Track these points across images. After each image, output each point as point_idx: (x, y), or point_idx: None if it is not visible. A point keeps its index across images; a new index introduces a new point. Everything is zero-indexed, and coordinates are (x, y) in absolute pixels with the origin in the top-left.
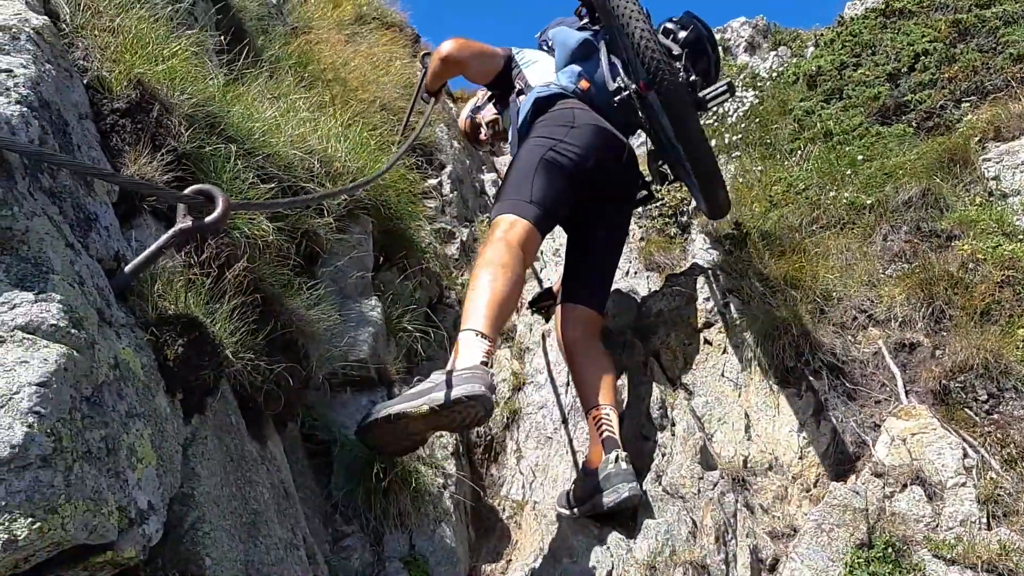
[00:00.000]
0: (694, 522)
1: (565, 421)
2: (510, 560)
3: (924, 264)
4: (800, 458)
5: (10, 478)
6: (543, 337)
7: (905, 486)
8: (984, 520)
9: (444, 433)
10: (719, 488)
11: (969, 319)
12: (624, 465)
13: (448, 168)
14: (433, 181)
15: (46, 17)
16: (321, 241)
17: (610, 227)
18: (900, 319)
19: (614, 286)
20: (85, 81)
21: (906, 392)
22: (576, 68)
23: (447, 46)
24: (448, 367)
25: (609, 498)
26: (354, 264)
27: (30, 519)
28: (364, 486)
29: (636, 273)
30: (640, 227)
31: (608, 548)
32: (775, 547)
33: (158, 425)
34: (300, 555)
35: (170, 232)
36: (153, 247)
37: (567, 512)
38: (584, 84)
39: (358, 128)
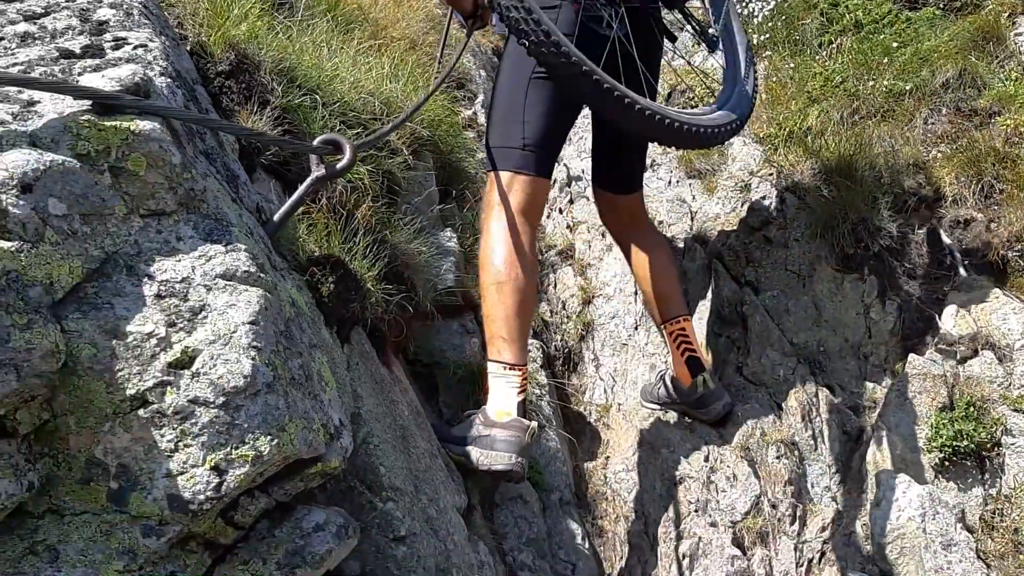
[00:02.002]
0: (778, 405)
1: (637, 327)
2: (608, 456)
3: (969, 142)
4: (870, 337)
5: (247, 403)
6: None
7: (976, 352)
8: None
9: (531, 347)
10: (798, 372)
11: (1019, 190)
12: (712, 385)
13: (480, 98)
14: (468, 112)
15: None
16: (398, 180)
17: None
18: (951, 198)
19: (662, 197)
20: (188, 48)
21: (965, 266)
22: None
23: None
24: (487, 406)
25: (703, 417)
26: (426, 200)
27: (268, 437)
28: (471, 400)
29: (679, 182)
30: None
31: (701, 437)
32: (858, 420)
33: (330, 353)
34: (440, 463)
35: (309, 180)
36: (296, 195)
37: (657, 406)
38: None
39: (406, 67)
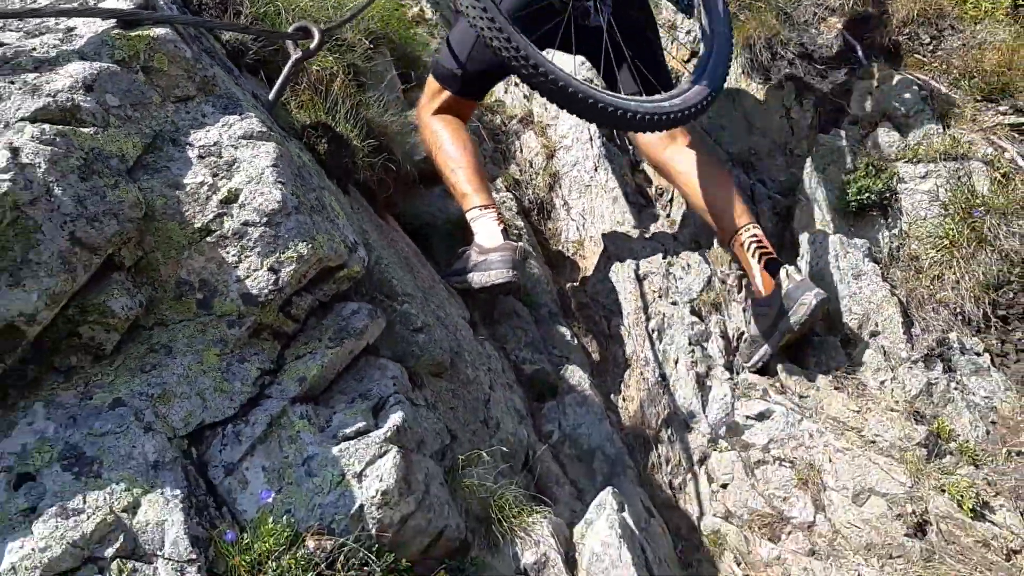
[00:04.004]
0: None
1: (596, 168)
2: (584, 277)
3: None
4: (792, 135)
5: (284, 221)
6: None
7: (876, 124)
8: (942, 129)
9: (506, 198)
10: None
11: None
12: (797, 276)
13: None
14: (415, 9)
15: None
16: (362, 70)
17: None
18: (850, 1)
19: None
20: None
21: (866, 56)
22: None
23: None
24: (477, 240)
25: (796, 316)
26: (389, 85)
27: (304, 243)
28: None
29: None
30: None
31: (659, 241)
32: (786, 201)
33: (335, 194)
34: (441, 286)
35: (290, 62)
36: (282, 76)
37: (754, 363)
38: None
39: None
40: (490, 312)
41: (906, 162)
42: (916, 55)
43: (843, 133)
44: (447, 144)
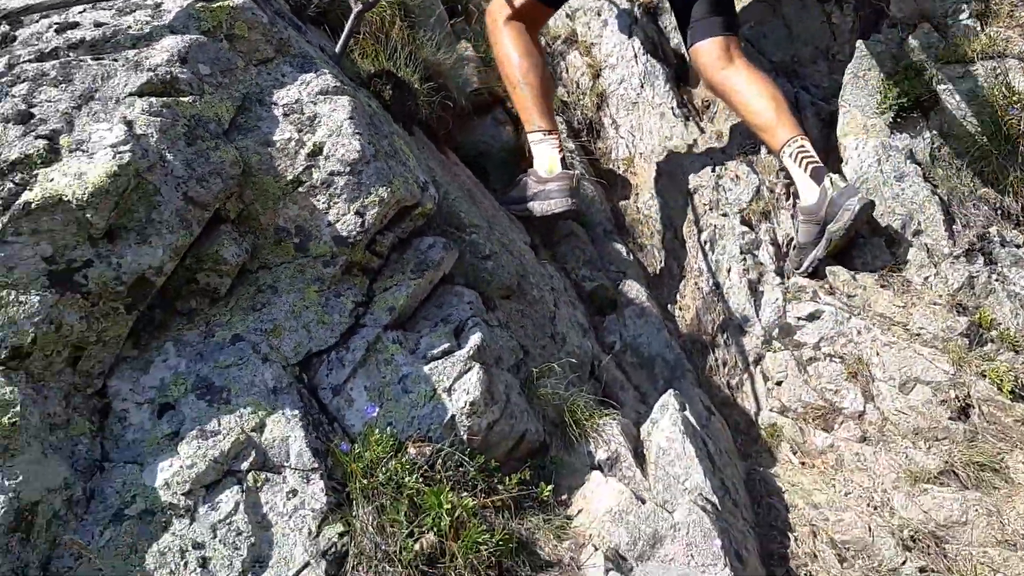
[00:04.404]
0: None
1: (643, 86)
2: (637, 194)
3: None
4: (834, 40)
5: (364, 168)
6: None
7: (915, 26)
8: (980, 28)
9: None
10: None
11: None
12: (841, 183)
13: None
14: None
15: None
16: (411, 8)
17: None
18: None
19: None
20: None
21: None
22: None
23: None
24: (535, 168)
25: (841, 222)
26: (438, 21)
27: (384, 187)
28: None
29: None
30: None
31: (709, 156)
32: (830, 107)
33: (402, 137)
34: (503, 214)
35: (353, 14)
36: (347, 29)
37: (804, 268)
38: None
39: None
40: (549, 235)
41: (945, 63)
42: None
43: (883, 37)
44: (516, 58)
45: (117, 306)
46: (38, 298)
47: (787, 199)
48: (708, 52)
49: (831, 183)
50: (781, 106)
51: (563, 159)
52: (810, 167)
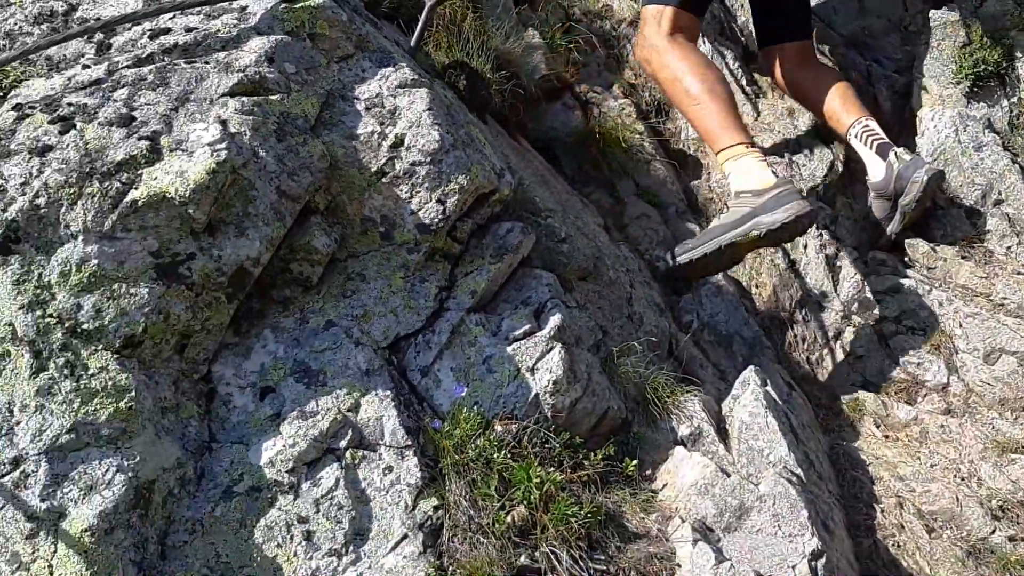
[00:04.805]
0: None
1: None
2: (709, 173)
3: None
4: (906, 10)
5: (444, 158)
6: None
7: None
8: None
9: (625, 104)
10: (848, 56)
11: None
12: (907, 156)
13: None
14: None
15: None
16: None
17: None
18: None
19: None
20: None
21: None
22: None
23: None
24: (743, 188)
25: (911, 195)
26: (504, 9)
27: (463, 175)
28: (588, 160)
29: None
30: None
31: (780, 131)
32: (903, 79)
33: (477, 126)
34: (576, 198)
35: (427, 7)
36: (422, 22)
37: (881, 243)
38: None
39: None
40: (621, 217)
41: (1020, 31)
42: None
43: (956, 6)
44: (691, 75)
45: (219, 296)
46: (147, 290)
47: (864, 175)
48: (787, 59)
49: (896, 157)
50: (847, 94)
51: (773, 171)
52: (875, 144)
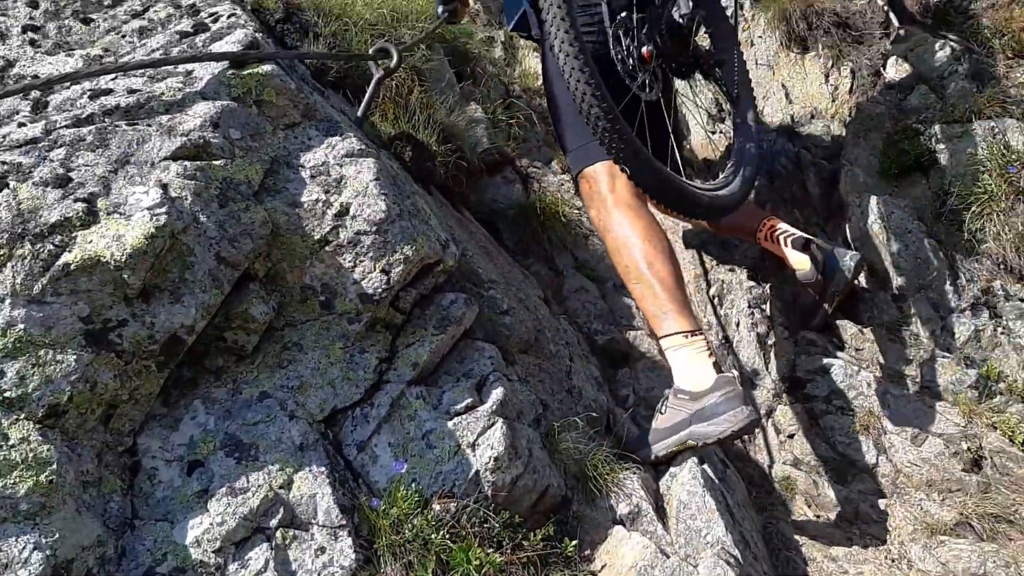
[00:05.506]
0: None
1: None
2: None
3: None
4: (833, 101)
5: (390, 228)
6: None
7: (912, 87)
8: (976, 88)
9: (558, 175)
10: (779, 143)
11: None
12: (828, 246)
13: None
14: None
15: None
16: (423, 72)
17: None
18: None
19: None
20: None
21: (899, 21)
22: None
23: None
24: (682, 387)
25: (836, 286)
26: (448, 84)
27: (409, 245)
28: (528, 233)
29: None
30: None
31: None
32: (832, 166)
33: (423, 196)
34: (517, 270)
35: (374, 81)
36: (368, 94)
37: (812, 325)
38: None
39: None
40: (560, 290)
41: (943, 123)
42: (947, 17)
43: (881, 97)
44: (638, 244)
45: (149, 364)
46: (74, 357)
47: None
48: None
49: (818, 248)
50: (750, 209)
51: (716, 364)
52: (789, 240)
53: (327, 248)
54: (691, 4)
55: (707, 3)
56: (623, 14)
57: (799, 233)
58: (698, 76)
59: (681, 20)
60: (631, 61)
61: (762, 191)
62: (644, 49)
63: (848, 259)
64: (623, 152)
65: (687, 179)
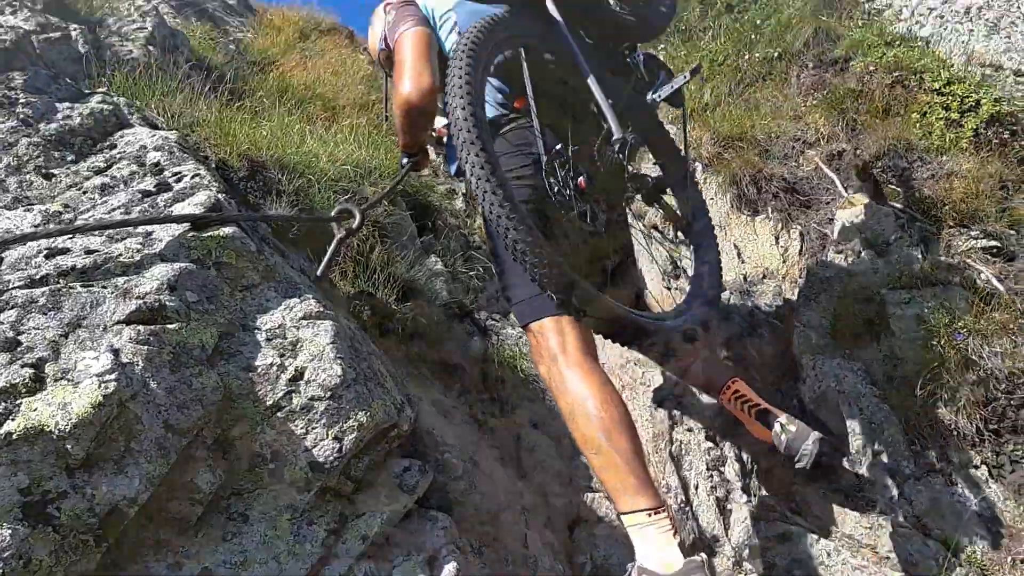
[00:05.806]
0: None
1: None
2: None
3: (832, 88)
4: (783, 262)
5: (345, 393)
6: None
7: (859, 252)
8: (920, 255)
9: (516, 327)
10: (731, 301)
11: (875, 118)
12: (792, 427)
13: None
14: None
15: (172, 133)
16: (385, 226)
17: None
18: (826, 137)
19: None
20: (214, 164)
21: (844, 188)
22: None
23: (407, 92)
24: (645, 567)
25: (802, 462)
26: (409, 237)
27: (364, 412)
28: (485, 387)
29: None
30: None
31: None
32: (783, 326)
33: (381, 359)
34: (474, 424)
35: (335, 240)
36: (329, 254)
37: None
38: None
39: (362, 130)
40: (517, 450)
41: (891, 288)
42: (891, 185)
43: (829, 261)
44: (594, 411)
45: (87, 539)
46: (10, 531)
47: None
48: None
49: (782, 428)
50: (713, 365)
51: (681, 542)
52: (753, 411)
53: (279, 414)
54: (628, 132)
55: (648, 130)
56: (558, 146)
57: (763, 404)
58: (653, 235)
59: (615, 146)
60: (567, 192)
61: (719, 349)
62: (580, 179)
63: (812, 444)
64: (561, 289)
65: (637, 311)
